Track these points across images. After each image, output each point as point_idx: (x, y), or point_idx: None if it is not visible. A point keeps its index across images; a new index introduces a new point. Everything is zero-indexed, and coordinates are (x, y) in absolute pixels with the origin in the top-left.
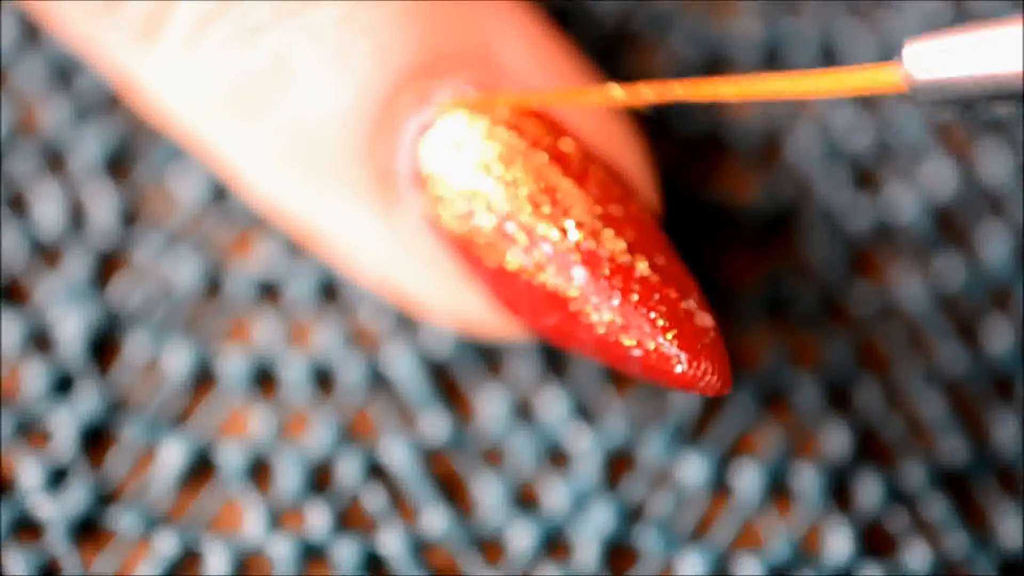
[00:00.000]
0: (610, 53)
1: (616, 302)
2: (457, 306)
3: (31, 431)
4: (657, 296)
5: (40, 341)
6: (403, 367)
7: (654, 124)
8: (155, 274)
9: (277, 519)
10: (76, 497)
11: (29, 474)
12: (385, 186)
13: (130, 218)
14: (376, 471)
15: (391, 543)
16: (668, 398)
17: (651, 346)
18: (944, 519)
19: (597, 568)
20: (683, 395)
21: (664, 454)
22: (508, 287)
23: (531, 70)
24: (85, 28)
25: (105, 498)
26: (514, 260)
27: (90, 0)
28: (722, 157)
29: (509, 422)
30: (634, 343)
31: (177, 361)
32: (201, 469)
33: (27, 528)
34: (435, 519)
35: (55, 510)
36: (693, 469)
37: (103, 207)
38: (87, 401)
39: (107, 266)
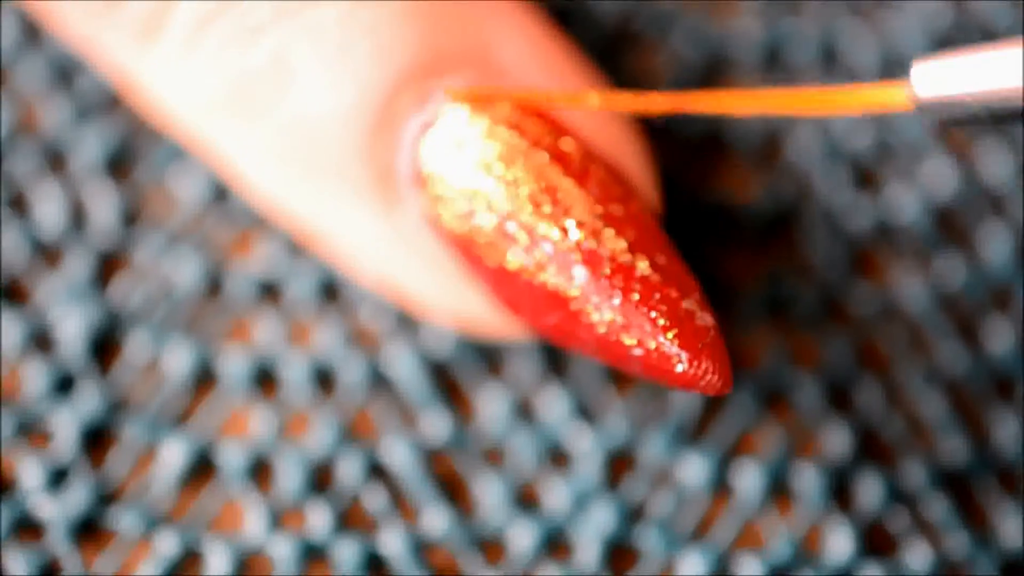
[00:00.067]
0: (610, 53)
1: (617, 301)
2: (458, 306)
3: (32, 431)
4: (658, 295)
5: (41, 341)
6: (404, 367)
7: (654, 124)
8: (156, 274)
9: (278, 519)
10: (77, 497)
11: (30, 474)
12: (385, 186)
13: (131, 218)
14: (377, 471)
15: (392, 543)
16: (669, 398)
17: (652, 345)
18: (945, 519)
19: (598, 568)
20: (684, 395)
21: (665, 454)
22: (509, 286)
23: (531, 70)
24: (85, 28)
25: (106, 498)
26: (515, 259)
27: (90, 0)
28: (723, 157)
29: (510, 422)
30: (635, 342)
31: (178, 361)
32: (202, 469)
33: (28, 528)
34: (436, 519)
35: (56, 510)
36: (694, 469)
37: (104, 207)
38: (88, 401)
39: (108, 266)
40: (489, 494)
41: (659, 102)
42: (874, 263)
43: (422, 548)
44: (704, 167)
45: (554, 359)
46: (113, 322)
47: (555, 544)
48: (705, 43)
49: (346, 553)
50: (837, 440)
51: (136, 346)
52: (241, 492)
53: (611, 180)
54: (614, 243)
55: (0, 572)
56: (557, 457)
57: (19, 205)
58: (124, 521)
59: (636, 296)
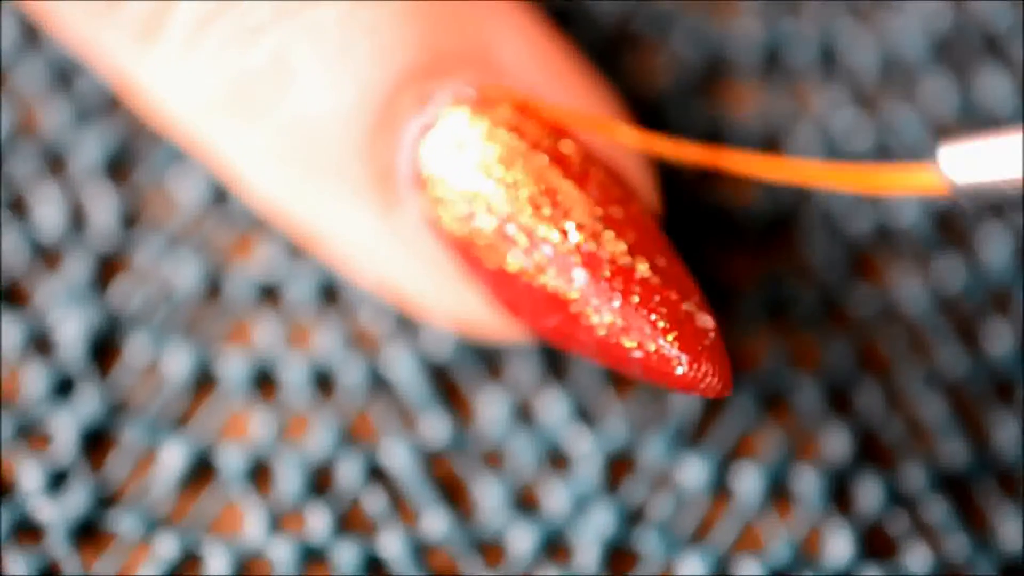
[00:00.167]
0: (610, 53)
1: (617, 304)
2: (457, 307)
3: (32, 433)
4: (658, 298)
5: (41, 343)
6: (403, 369)
7: (654, 126)
8: (155, 276)
9: (277, 521)
10: (76, 499)
11: (30, 476)
12: (385, 187)
13: (130, 220)
14: (376, 473)
15: (391, 545)
16: (668, 400)
17: (652, 348)
18: (944, 521)
19: (597, 570)
20: (683, 397)
21: (664, 456)
22: (509, 289)
23: (531, 70)
24: (85, 29)
25: (105, 500)
26: (514, 262)
27: (90, 2)
28: None
29: (509, 424)
30: (635, 345)
31: (177, 363)
32: (201, 471)
33: (28, 530)
34: (435, 521)
35: (55, 512)
36: (693, 471)
37: (103, 209)
38: (87, 403)
39: (107, 268)
40: (489, 496)
41: (693, 153)
42: (874, 265)
43: (422, 550)
44: (704, 169)
45: (553, 361)
46: (113, 324)
47: (555, 546)
48: (704, 44)
49: (346, 555)
50: (837, 442)
51: (136, 348)
52: (241, 494)
53: (611, 182)
54: (614, 245)
55: (0, 574)
56: (557, 459)
57: (19, 207)
58: (124, 523)
59: (636, 298)
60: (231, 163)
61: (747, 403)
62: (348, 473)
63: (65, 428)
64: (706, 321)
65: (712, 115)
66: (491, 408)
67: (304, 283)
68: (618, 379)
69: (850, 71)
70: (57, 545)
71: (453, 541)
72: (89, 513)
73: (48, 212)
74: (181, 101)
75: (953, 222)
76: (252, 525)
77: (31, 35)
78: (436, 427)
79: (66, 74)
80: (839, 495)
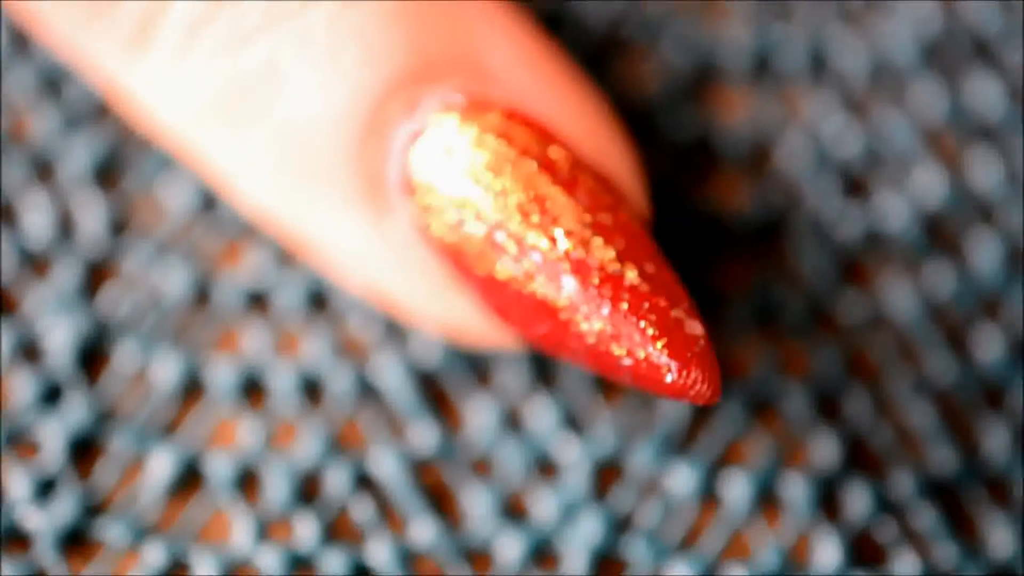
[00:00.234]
0: (599, 59)
1: (606, 311)
2: (447, 314)
3: (19, 441)
4: (647, 305)
5: (29, 351)
6: (392, 377)
7: (643, 131)
8: (144, 283)
9: (265, 530)
10: (64, 508)
11: (17, 485)
12: (375, 193)
13: (119, 227)
14: (364, 481)
15: (379, 554)
16: (656, 407)
17: (641, 355)
18: (934, 529)
19: None
20: (672, 404)
21: (653, 464)
22: (499, 296)
23: (521, 75)
24: (74, 37)
25: (93, 509)
26: (504, 269)
27: (79, 9)
28: (712, 164)
29: (498, 432)
30: (624, 352)
31: (166, 371)
32: (189, 479)
33: (15, 539)
34: (423, 530)
35: (43, 521)
36: (682, 478)
37: (92, 216)
38: (75, 411)
39: (96, 275)
40: (477, 504)
41: None
42: (863, 271)
43: (409, 559)
44: (693, 174)
45: (541, 368)
46: (101, 332)
47: (543, 554)
48: (694, 49)
49: (333, 564)
50: (825, 449)
51: (124, 356)
52: (228, 503)
53: (600, 188)
54: (603, 252)
55: None
56: (545, 467)
57: (7, 214)
58: (111, 532)
59: (625, 306)
60: (221, 169)
61: (735, 410)
62: (336, 481)
63: (53, 436)
64: (695, 328)
65: (701, 121)
66: (479, 416)
67: (292, 290)
68: (606, 386)
69: (840, 76)
70: (45, 553)
71: (441, 549)
72: (77, 521)
73: (36, 219)
74: (171, 108)
75: (943, 228)
76: (240, 533)
77: (20, 42)
78: (424, 435)
79: (55, 81)
80: (827, 502)
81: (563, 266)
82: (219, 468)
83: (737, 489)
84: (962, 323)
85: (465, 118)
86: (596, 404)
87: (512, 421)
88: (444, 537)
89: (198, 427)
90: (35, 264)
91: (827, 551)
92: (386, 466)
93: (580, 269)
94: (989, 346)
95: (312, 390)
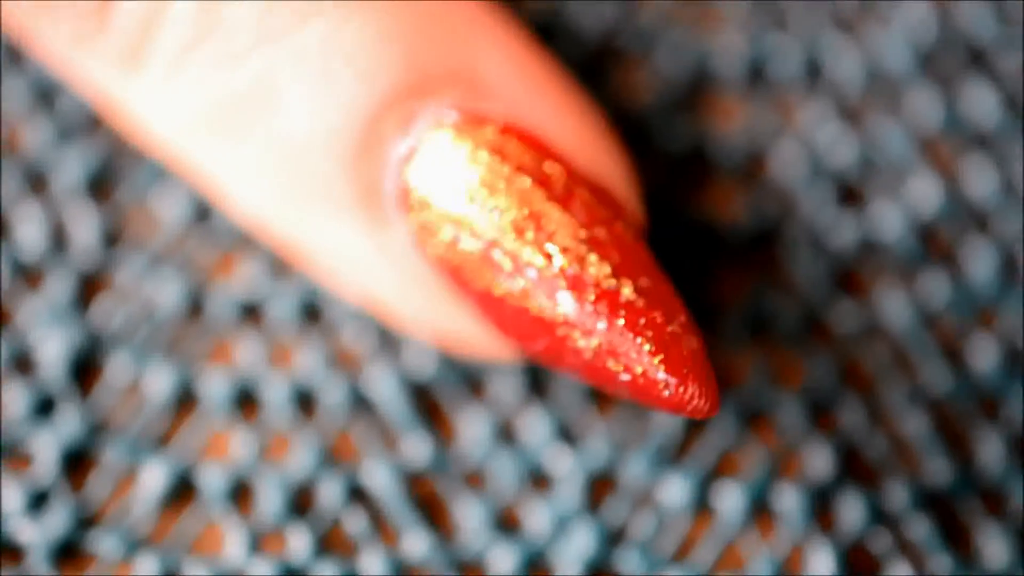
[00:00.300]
0: (594, 69)
1: (602, 327)
2: (444, 324)
3: (12, 454)
4: (643, 320)
5: (21, 363)
6: (385, 389)
7: (638, 140)
8: (137, 295)
9: (258, 542)
10: (57, 520)
11: (10, 497)
12: (372, 206)
13: (112, 239)
14: (357, 494)
15: (372, 566)
16: (650, 419)
17: (638, 371)
18: (928, 540)
19: None
20: (665, 416)
21: (646, 475)
22: (496, 311)
23: (516, 88)
24: (68, 53)
25: (86, 521)
26: (501, 285)
27: (72, 26)
28: (706, 174)
29: (491, 444)
30: (621, 368)
31: (159, 383)
32: (182, 492)
33: (8, 552)
34: (416, 542)
35: (36, 533)
36: (675, 490)
37: (85, 228)
38: (68, 423)
39: (89, 287)
40: (470, 517)
41: None
42: (858, 280)
43: (402, 571)
44: (687, 184)
45: (535, 380)
46: (94, 344)
47: (536, 567)
48: (688, 58)
49: None
50: (819, 460)
51: (117, 368)
52: (221, 515)
53: (596, 201)
54: (599, 268)
55: None
56: (538, 479)
57: (0, 226)
58: (104, 544)
59: (621, 322)
60: (216, 181)
61: (729, 420)
62: (329, 493)
63: (46, 448)
64: (692, 342)
65: (696, 130)
66: (472, 428)
67: (286, 302)
68: (600, 398)
69: (835, 84)
70: (38, 566)
71: (434, 562)
72: (70, 534)
73: (30, 231)
74: (165, 122)
75: (938, 237)
76: (233, 545)
77: (13, 54)
78: (417, 447)
79: (48, 93)
80: (821, 513)
81: (559, 283)
82: (212, 480)
83: (730, 500)
84: (957, 332)
85: (459, 134)
86: (589, 416)
87: (505, 433)
88: (437, 550)
89: (191, 439)
90: (28, 276)
91: (821, 562)
92: (379, 478)
93: (576, 286)
94: (984, 356)
95: (305, 402)
